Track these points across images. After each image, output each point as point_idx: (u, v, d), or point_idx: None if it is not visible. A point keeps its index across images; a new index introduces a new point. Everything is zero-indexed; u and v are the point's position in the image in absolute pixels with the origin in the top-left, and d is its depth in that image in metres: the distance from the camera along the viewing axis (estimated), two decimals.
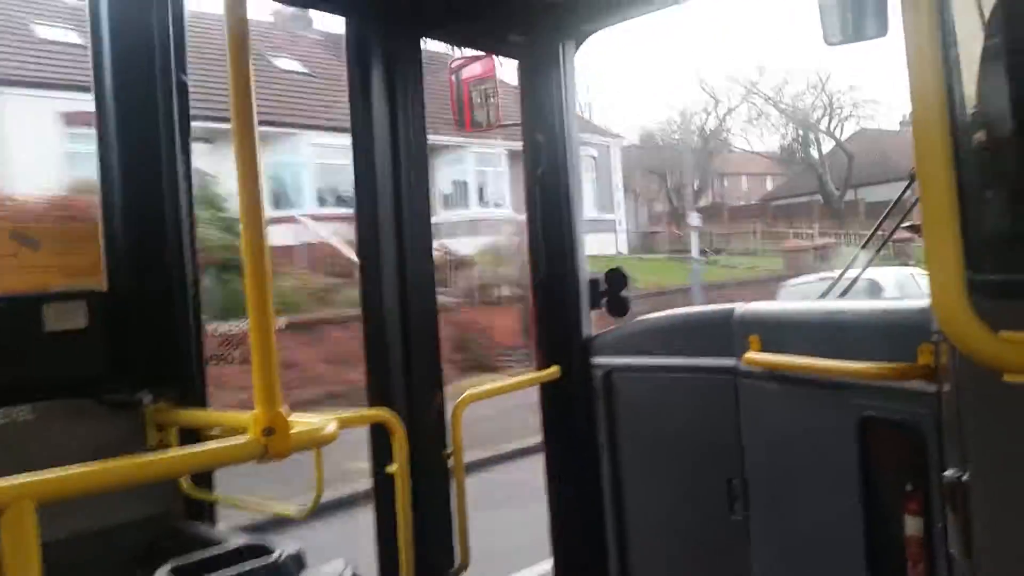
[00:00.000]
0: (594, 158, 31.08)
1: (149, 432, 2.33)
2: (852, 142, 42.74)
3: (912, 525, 2.34)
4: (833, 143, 43.73)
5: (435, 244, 3.27)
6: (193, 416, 2.32)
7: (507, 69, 3.72)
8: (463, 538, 3.01)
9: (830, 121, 43.88)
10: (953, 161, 1.33)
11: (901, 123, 41.37)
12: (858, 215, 36.97)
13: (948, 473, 1.79)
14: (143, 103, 2.38)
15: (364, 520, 3.14)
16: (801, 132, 45.00)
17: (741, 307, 3.10)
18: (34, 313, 2.20)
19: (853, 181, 41.18)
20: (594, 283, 3.74)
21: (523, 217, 3.81)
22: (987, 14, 1.89)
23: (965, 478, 1.74)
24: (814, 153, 44.53)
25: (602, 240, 26.52)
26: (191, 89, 2.48)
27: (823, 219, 39.39)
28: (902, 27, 1.36)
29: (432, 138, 3.25)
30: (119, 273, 2.36)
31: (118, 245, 2.37)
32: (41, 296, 2.24)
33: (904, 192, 2.80)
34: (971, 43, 1.84)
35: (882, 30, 2.46)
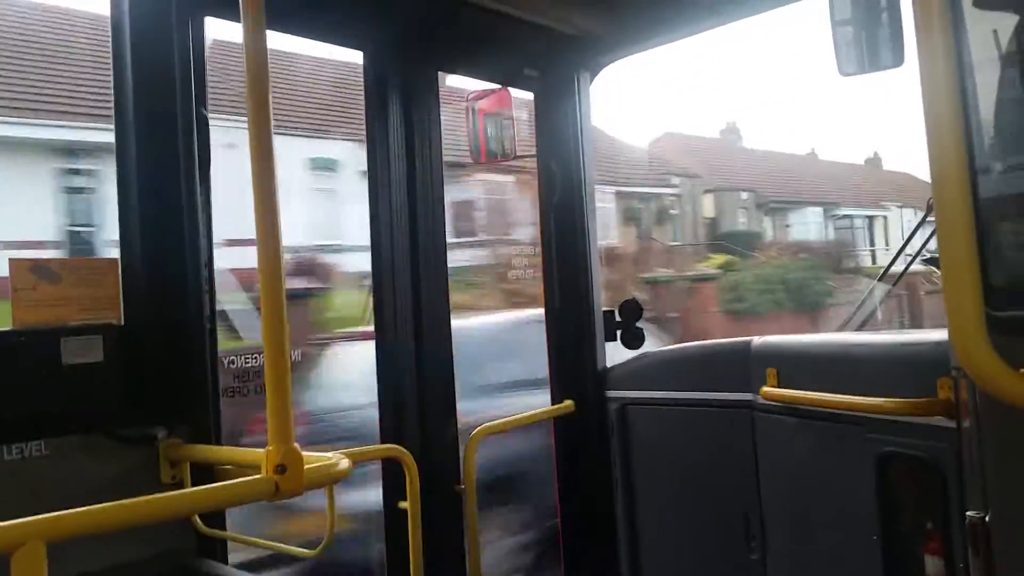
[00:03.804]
0: None
1: (162, 468, 2.32)
2: None
3: (932, 565, 2.28)
4: None
5: None
6: (206, 452, 2.32)
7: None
8: (475, 574, 2.97)
9: None
10: (970, 196, 1.31)
11: None
12: None
13: (970, 514, 1.75)
14: (163, 136, 2.41)
15: None
16: None
17: (758, 340, 3.07)
18: (52, 346, 2.21)
19: None
20: (609, 315, 3.72)
21: None
22: (1004, 44, 1.88)
23: (987, 518, 1.70)
24: None
25: None
26: None
27: None
28: (918, 58, 1.35)
29: None
30: (136, 307, 2.37)
31: (136, 279, 2.38)
32: (59, 329, 2.25)
33: (920, 225, 2.77)
34: (988, 73, 1.83)
35: (898, 60, 2.45)
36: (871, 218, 35.42)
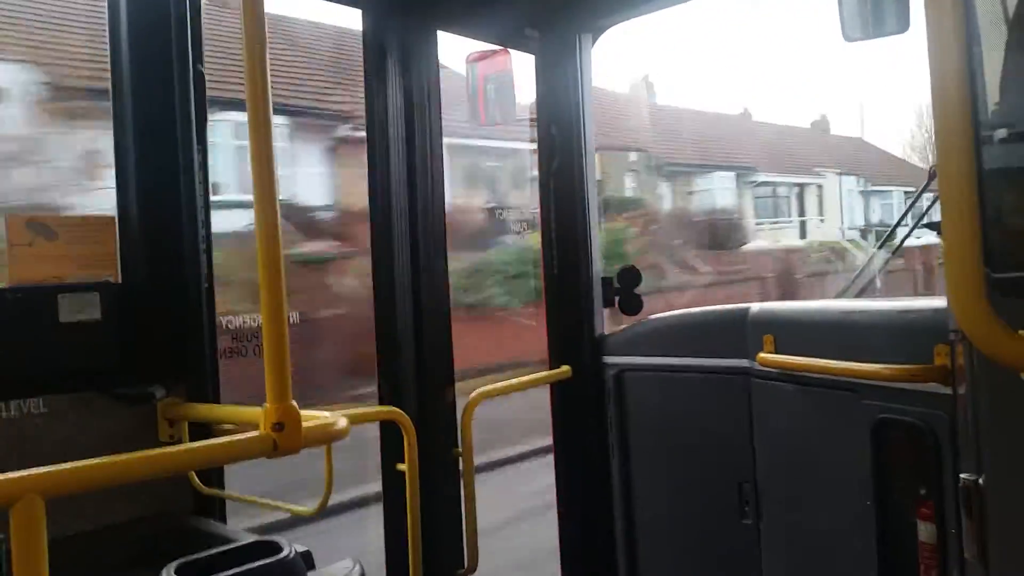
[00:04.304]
0: None
1: (160, 426, 2.33)
2: None
3: (925, 530, 2.31)
4: None
5: None
6: (204, 411, 2.32)
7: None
8: (472, 539, 2.99)
9: None
10: (974, 158, 1.30)
11: None
12: None
13: (964, 476, 1.77)
14: (160, 94, 2.38)
15: None
16: None
17: (756, 307, 3.07)
18: (49, 304, 2.20)
19: None
20: (607, 281, 3.72)
21: None
22: (1011, 9, 1.86)
23: (981, 481, 1.72)
24: None
25: None
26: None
27: None
28: (925, 22, 1.34)
29: None
30: (133, 265, 2.37)
31: (133, 237, 2.37)
32: (56, 287, 2.24)
33: (923, 190, 2.76)
34: (994, 38, 1.81)
35: (903, 25, 2.42)
36: (801, 186, 30.70)
